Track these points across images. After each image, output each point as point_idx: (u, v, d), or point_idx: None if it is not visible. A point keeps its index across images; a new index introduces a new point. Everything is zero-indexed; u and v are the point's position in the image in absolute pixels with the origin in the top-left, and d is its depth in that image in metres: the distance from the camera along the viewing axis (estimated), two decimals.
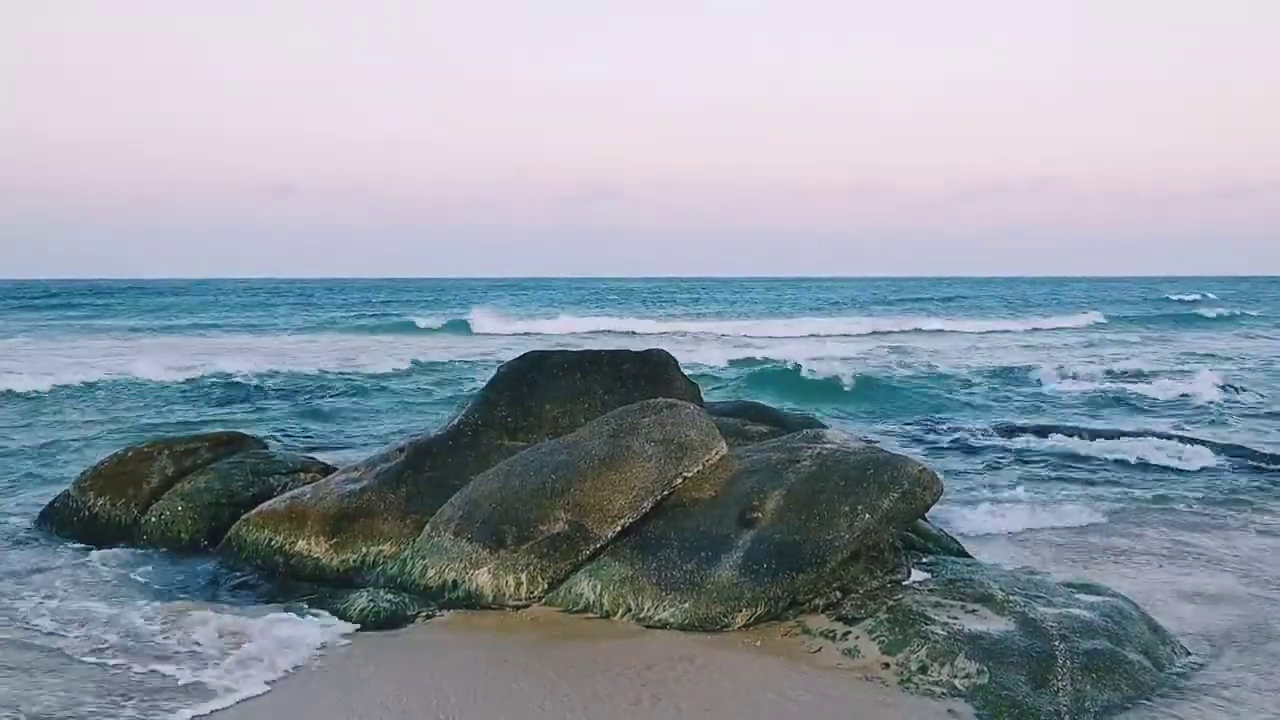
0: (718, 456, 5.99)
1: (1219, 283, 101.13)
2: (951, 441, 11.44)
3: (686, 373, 7.47)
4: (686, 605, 5.13)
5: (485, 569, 5.55)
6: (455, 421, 6.91)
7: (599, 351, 7.45)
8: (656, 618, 5.15)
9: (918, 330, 35.03)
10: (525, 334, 32.22)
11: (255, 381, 16.62)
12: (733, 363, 20.25)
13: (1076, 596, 5.17)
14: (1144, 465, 9.80)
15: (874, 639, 4.79)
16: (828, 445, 6.01)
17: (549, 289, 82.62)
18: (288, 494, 6.74)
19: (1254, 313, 45.12)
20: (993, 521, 7.54)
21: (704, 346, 24.65)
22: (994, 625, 4.80)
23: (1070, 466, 9.88)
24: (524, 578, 5.50)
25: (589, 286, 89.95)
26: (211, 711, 4.26)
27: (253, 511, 6.61)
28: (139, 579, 6.08)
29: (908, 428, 12.69)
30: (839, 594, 5.24)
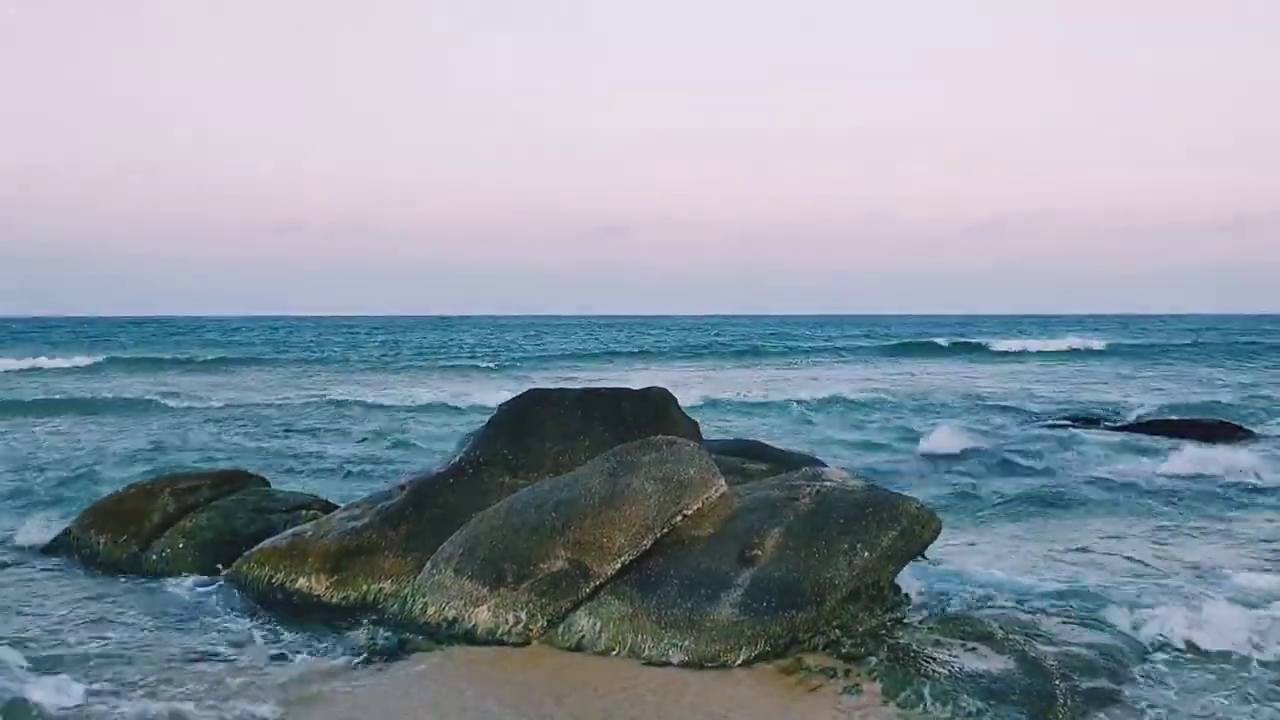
0: (717, 494, 6.01)
1: None
2: None
3: None
4: (686, 643, 5.13)
5: (485, 606, 5.56)
6: (456, 459, 6.94)
7: (599, 390, 7.53)
8: (656, 655, 5.14)
9: None
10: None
11: None
12: None
13: (1076, 633, 5.18)
14: None
15: (874, 678, 4.79)
16: (827, 483, 6.03)
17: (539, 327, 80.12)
18: (289, 531, 6.76)
19: None
20: None
21: None
22: (994, 664, 4.80)
23: None
24: (524, 615, 5.50)
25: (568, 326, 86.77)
26: None
27: (254, 549, 6.62)
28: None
29: None
30: (839, 632, 5.24)
